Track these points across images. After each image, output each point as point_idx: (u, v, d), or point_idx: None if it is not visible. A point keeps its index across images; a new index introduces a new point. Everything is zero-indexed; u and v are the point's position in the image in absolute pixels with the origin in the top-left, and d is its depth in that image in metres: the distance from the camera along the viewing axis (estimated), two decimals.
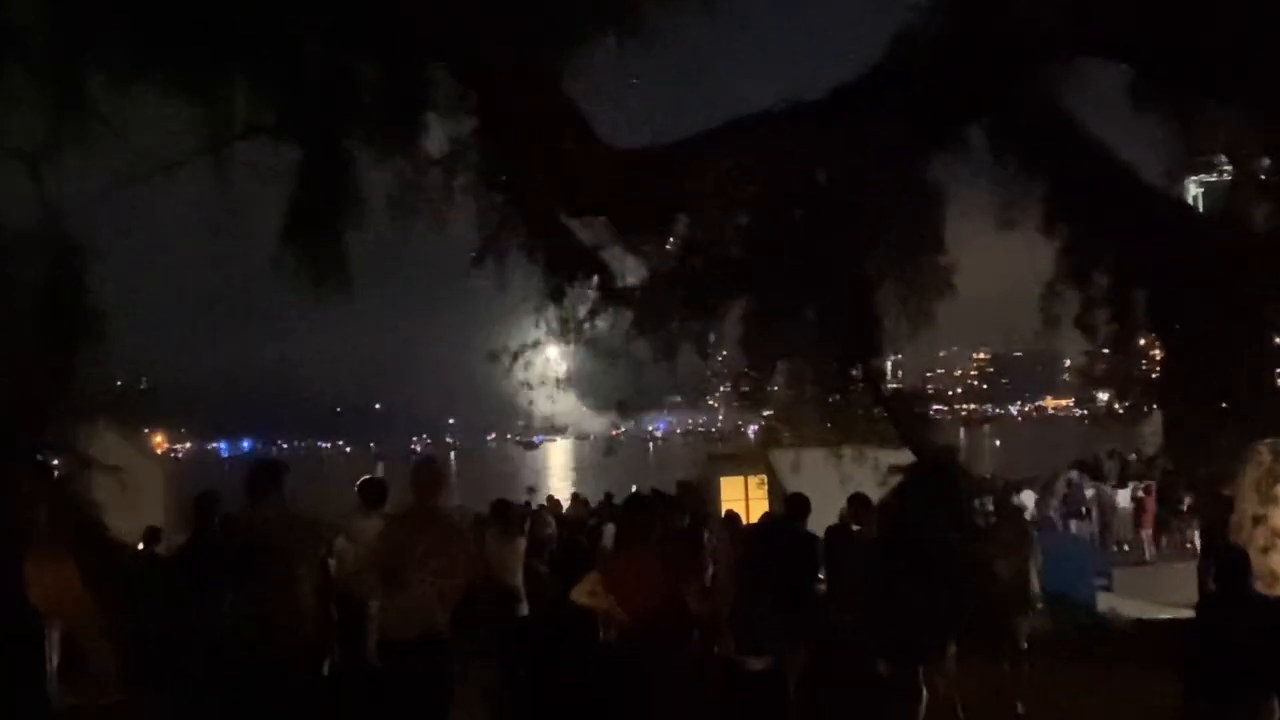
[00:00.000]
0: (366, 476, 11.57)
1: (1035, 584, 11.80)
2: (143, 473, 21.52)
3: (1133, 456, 34.25)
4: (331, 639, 10.18)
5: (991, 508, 10.76)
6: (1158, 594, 19.14)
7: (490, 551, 12.13)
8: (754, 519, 18.49)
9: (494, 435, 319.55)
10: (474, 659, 10.68)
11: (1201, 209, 11.16)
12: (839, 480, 11.11)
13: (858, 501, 11.67)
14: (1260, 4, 8.92)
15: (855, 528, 12.12)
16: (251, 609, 9.01)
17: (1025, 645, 11.85)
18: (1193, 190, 11.28)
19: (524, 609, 12.71)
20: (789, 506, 11.90)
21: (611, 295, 10.97)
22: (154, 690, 9.65)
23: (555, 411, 11.74)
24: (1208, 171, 11.12)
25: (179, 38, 9.13)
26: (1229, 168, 10.75)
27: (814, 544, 11.49)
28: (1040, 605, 11.96)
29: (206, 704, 9.00)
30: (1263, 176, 10.49)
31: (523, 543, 13.33)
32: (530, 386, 11.03)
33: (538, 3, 9.97)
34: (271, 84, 9.77)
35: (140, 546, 14.66)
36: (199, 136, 9.76)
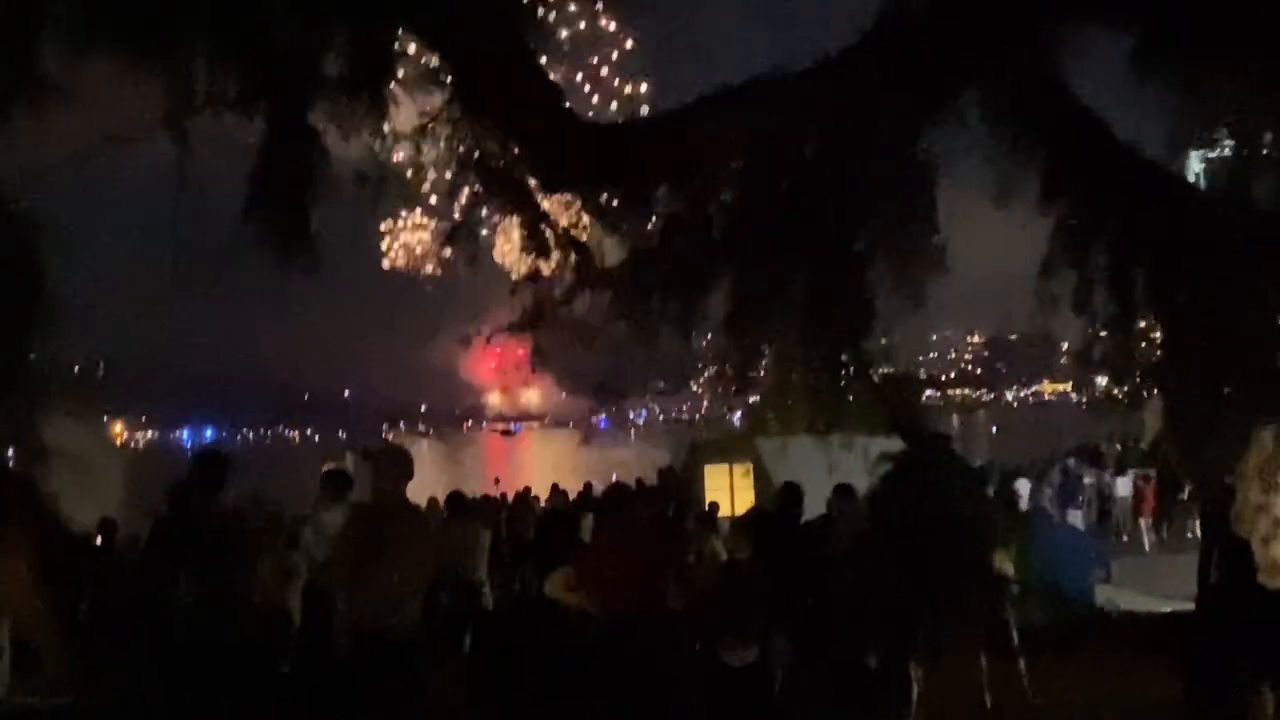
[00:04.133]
0: (329, 466, 11.32)
1: (1009, 571, 11.54)
2: (100, 462, 21.28)
3: (1133, 443, 34.01)
4: (293, 632, 9.92)
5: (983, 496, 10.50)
6: (1158, 586, 18.87)
7: (452, 543, 11.81)
8: (739, 509, 18.28)
9: (470, 423, 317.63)
10: (441, 653, 10.40)
11: (1204, 186, 10.82)
12: (828, 468, 10.84)
13: (842, 492, 11.41)
14: None
15: (841, 516, 11.86)
16: (210, 601, 8.81)
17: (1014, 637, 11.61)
18: (1195, 166, 10.93)
19: (488, 601, 12.48)
20: (781, 496, 11.66)
21: (589, 275, 10.66)
22: (109, 688, 9.39)
23: (533, 398, 11.51)
24: (1210, 147, 10.78)
25: (138, 6, 8.76)
26: (1231, 143, 10.41)
27: (807, 534, 11.24)
28: (1015, 590, 11.73)
29: (163, 700, 8.78)
30: (1265, 152, 10.15)
31: (487, 535, 13.09)
32: (506, 372, 10.74)
33: None
34: (234, 54, 9.40)
35: (98, 540, 14.39)
36: (159, 109, 9.41)
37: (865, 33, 9.54)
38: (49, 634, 9.36)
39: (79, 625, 9.43)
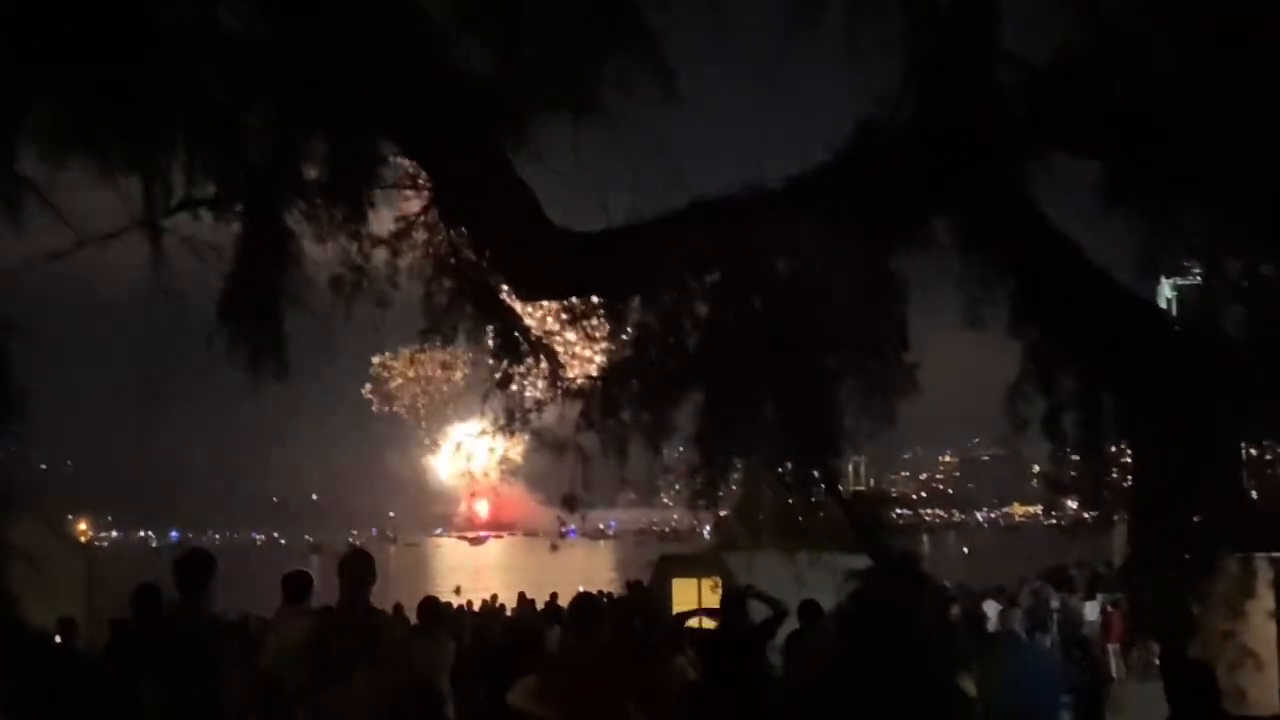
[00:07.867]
0: (290, 570, 11.14)
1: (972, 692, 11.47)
2: (62, 561, 21.10)
3: (1102, 567, 33.94)
4: None
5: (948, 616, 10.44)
6: (1126, 713, 18.74)
7: (418, 654, 11.67)
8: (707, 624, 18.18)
9: (439, 530, 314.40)
10: None
11: (1175, 312, 10.88)
12: (795, 584, 10.79)
13: (807, 609, 11.34)
14: (1233, 103, 8.66)
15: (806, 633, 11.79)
16: (171, 711, 8.61)
17: None
18: (1166, 293, 11.00)
19: (450, 712, 12.28)
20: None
21: (561, 384, 10.66)
22: None
23: (502, 506, 11.43)
24: (1181, 274, 10.84)
25: (117, 109, 8.77)
26: (1201, 270, 10.48)
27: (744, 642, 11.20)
28: (980, 712, 11.63)
29: None
30: (1234, 281, 10.22)
31: (451, 644, 12.94)
32: (475, 479, 10.70)
33: (491, 81, 9.69)
34: (212, 156, 9.40)
35: (56, 639, 14.14)
36: (135, 209, 9.39)
37: (839, 154, 9.62)
38: None
39: None
